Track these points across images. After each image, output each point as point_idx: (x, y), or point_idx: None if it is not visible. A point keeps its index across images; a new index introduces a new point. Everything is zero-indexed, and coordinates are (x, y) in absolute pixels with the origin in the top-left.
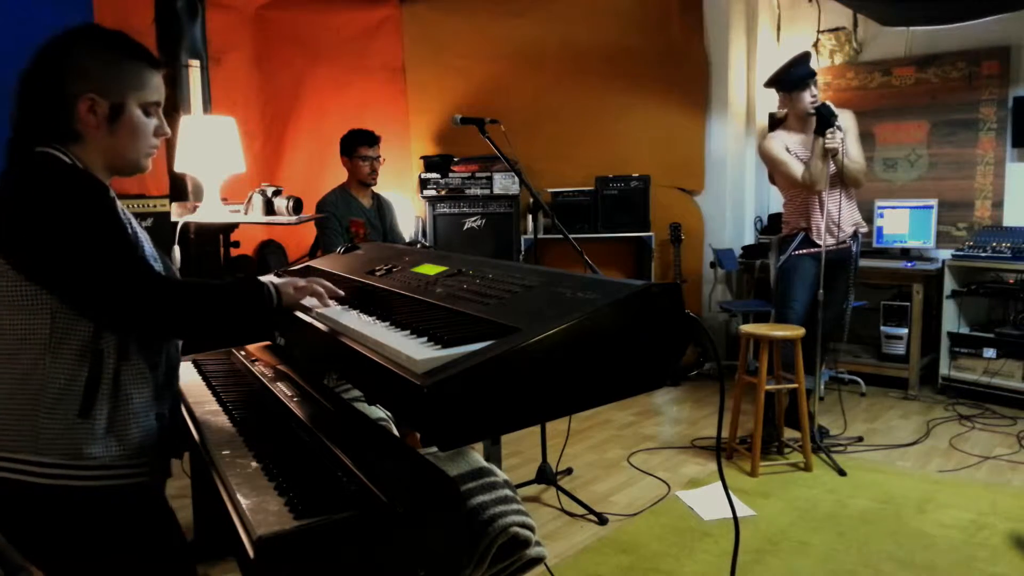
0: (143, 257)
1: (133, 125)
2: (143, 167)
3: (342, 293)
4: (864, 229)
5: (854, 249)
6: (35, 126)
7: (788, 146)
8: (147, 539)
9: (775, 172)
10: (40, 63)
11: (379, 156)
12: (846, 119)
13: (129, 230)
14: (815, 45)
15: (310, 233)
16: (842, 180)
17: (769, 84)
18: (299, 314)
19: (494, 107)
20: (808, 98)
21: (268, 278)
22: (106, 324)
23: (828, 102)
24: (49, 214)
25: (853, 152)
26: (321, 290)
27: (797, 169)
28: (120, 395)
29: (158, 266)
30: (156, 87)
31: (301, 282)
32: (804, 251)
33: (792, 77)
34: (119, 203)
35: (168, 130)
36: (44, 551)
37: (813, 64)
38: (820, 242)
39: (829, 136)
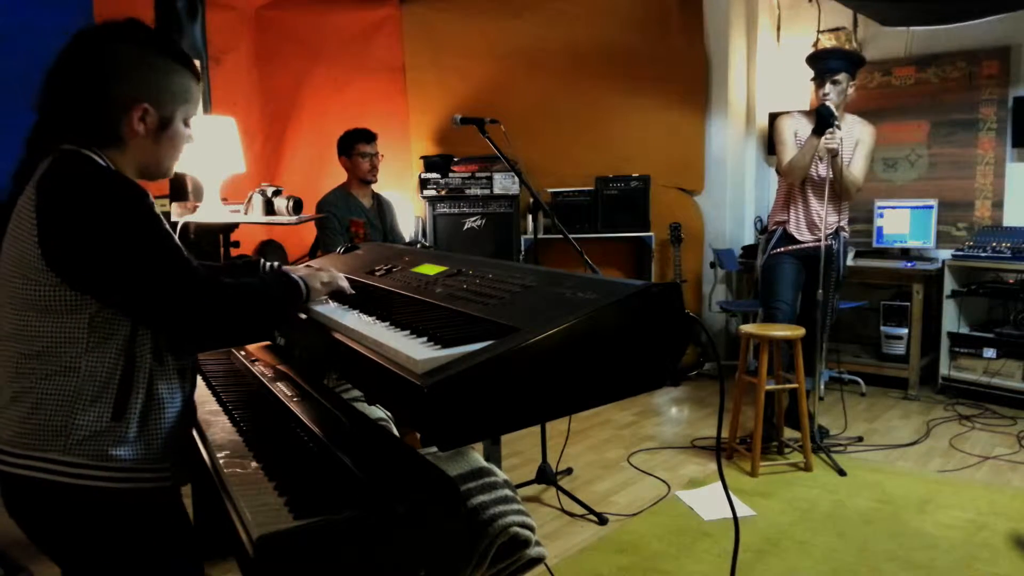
0: (190, 258)
1: (176, 137)
2: (170, 174)
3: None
4: (846, 234)
5: (835, 248)
6: (72, 125)
7: (798, 131)
8: (165, 542)
9: (774, 149)
10: (86, 60)
11: (377, 153)
12: (865, 133)
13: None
14: (815, 45)
15: (310, 233)
16: (831, 183)
17: (806, 60)
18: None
19: (494, 107)
20: (820, 93)
21: (296, 271)
22: (159, 326)
23: (829, 104)
24: (101, 222)
25: (856, 167)
26: (345, 286)
27: (787, 155)
28: (153, 399)
29: None
30: (198, 101)
31: (325, 277)
32: (782, 249)
33: (816, 65)
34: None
35: (194, 139)
36: (65, 549)
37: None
38: (800, 236)
39: (828, 136)
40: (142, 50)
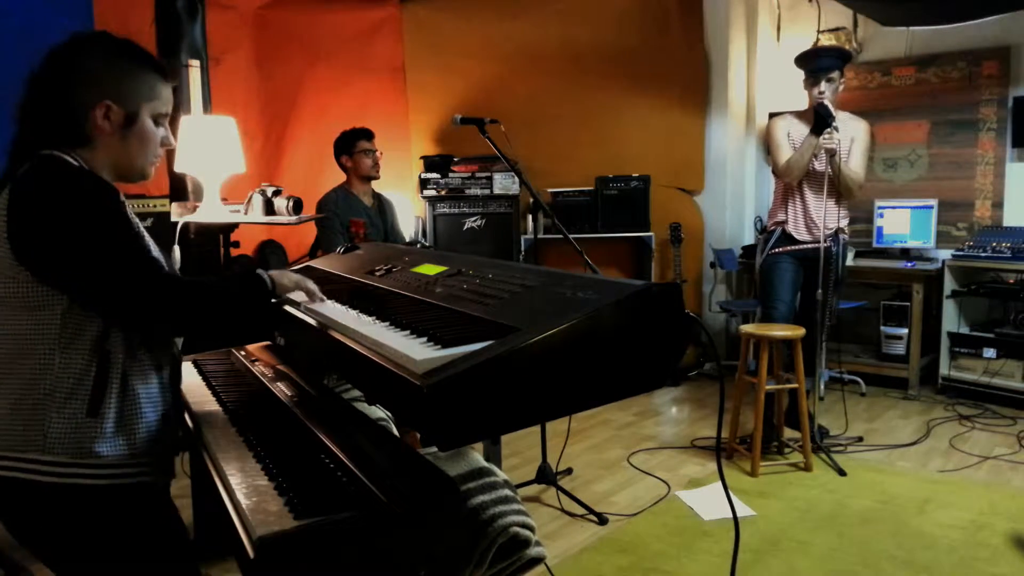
0: (154, 258)
1: (144, 134)
2: (147, 175)
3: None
4: (846, 236)
5: (834, 250)
6: (44, 130)
7: (791, 132)
8: (153, 538)
9: (769, 151)
10: (52, 67)
11: (377, 149)
12: (859, 130)
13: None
14: (815, 45)
15: (310, 233)
16: (830, 182)
17: (795, 61)
18: (298, 313)
19: (494, 107)
20: (815, 92)
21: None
22: (119, 322)
23: (827, 103)
24: (63, 216)
25: (855, 163)
26: (313, 287)
27: (783, 156)
28: (128, 394)
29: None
30: (167, 99)
31: (294, 276)
32: (780, 249)
33: (808, 65)
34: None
35: (173, 142)
36: (51, 549)
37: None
38: (798, 236)
39: (826, 136)
40: (103, 54)
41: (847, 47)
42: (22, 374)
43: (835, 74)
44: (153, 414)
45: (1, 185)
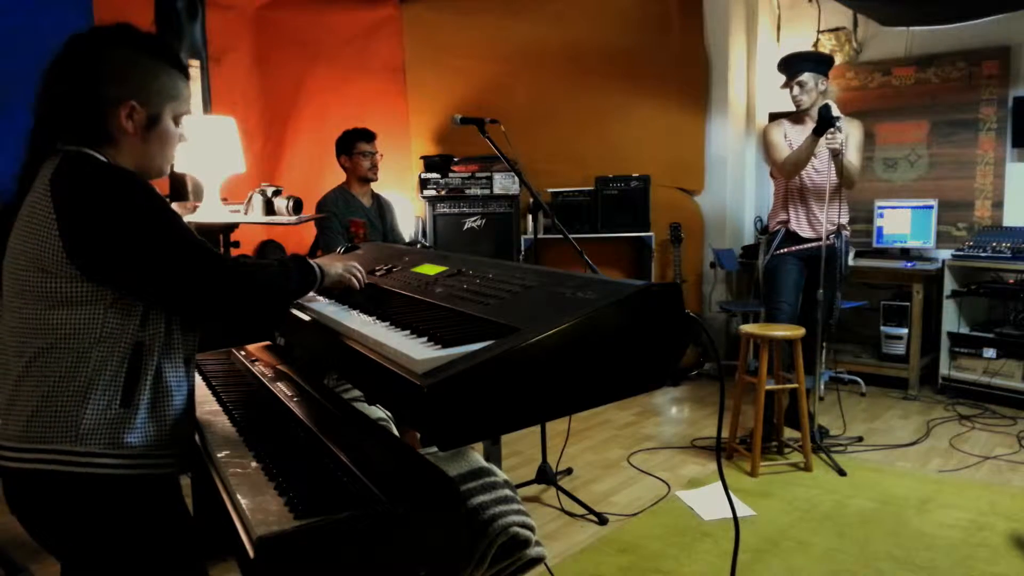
0: (212, 248)
1: (165, 135)
2: (164, 173)
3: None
4: (847, 232)
5: (837, 246)
6: (66, 126)
7: (787, 133)
8: (170, 529)
9: (766, 154)
10: (75, 62)
11: (377, 152)
12: (852, 127)
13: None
14: (815, 45)
15: (310, 233)
16: (831, 180)
17: (777, 67)
18: (298, 313)
19: (494, 107)
20: (791, 95)
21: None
22: (188, 312)
23: (830, 103)
24: (124, 217)
25: (851, 155)
26: (359, 278)
27: (782, 154)
28: (161, 387)
29: None
30: (187, 98)
31: (339, 270)
32: (785, 250)
33: (781, 69)
34: None
35: (187, 138)
36: (69, 542)
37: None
38: (802, 233)
39: (829, 137)
40: (128, 51)
41: (847, 47)
42: (56, 368)
43: (806, 77)
44: (181, 405)
45: (26, 179)
